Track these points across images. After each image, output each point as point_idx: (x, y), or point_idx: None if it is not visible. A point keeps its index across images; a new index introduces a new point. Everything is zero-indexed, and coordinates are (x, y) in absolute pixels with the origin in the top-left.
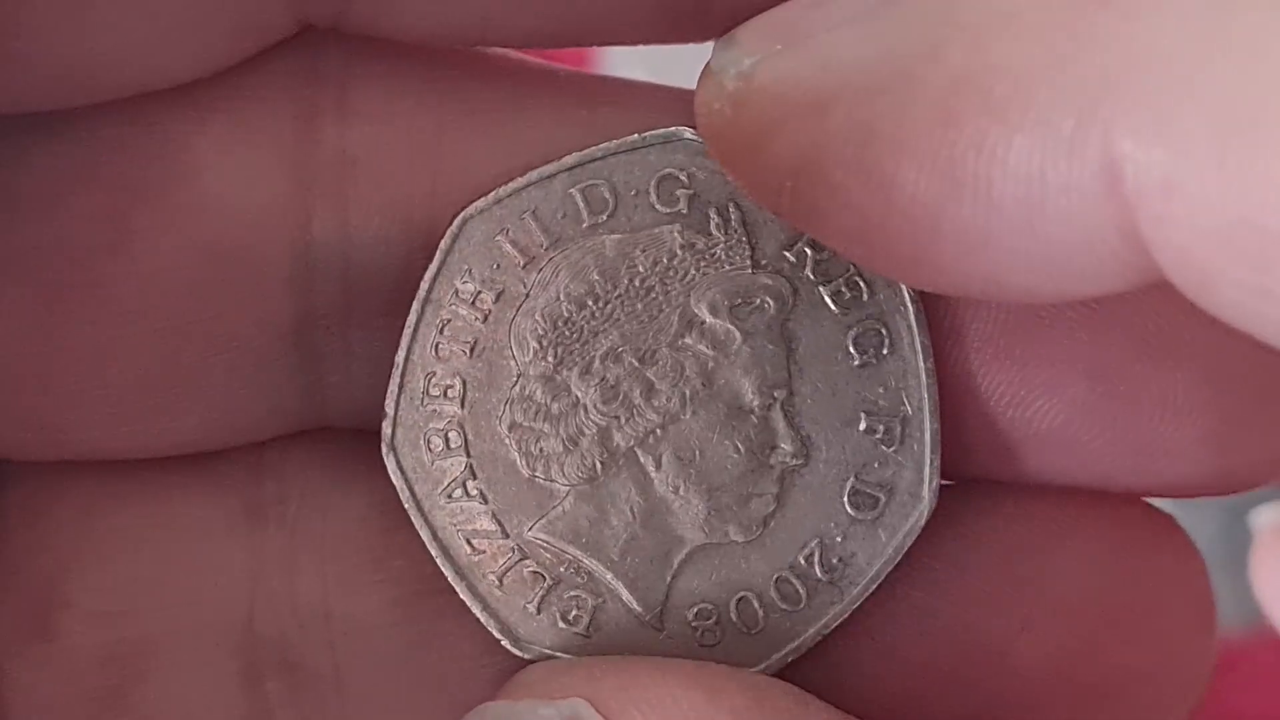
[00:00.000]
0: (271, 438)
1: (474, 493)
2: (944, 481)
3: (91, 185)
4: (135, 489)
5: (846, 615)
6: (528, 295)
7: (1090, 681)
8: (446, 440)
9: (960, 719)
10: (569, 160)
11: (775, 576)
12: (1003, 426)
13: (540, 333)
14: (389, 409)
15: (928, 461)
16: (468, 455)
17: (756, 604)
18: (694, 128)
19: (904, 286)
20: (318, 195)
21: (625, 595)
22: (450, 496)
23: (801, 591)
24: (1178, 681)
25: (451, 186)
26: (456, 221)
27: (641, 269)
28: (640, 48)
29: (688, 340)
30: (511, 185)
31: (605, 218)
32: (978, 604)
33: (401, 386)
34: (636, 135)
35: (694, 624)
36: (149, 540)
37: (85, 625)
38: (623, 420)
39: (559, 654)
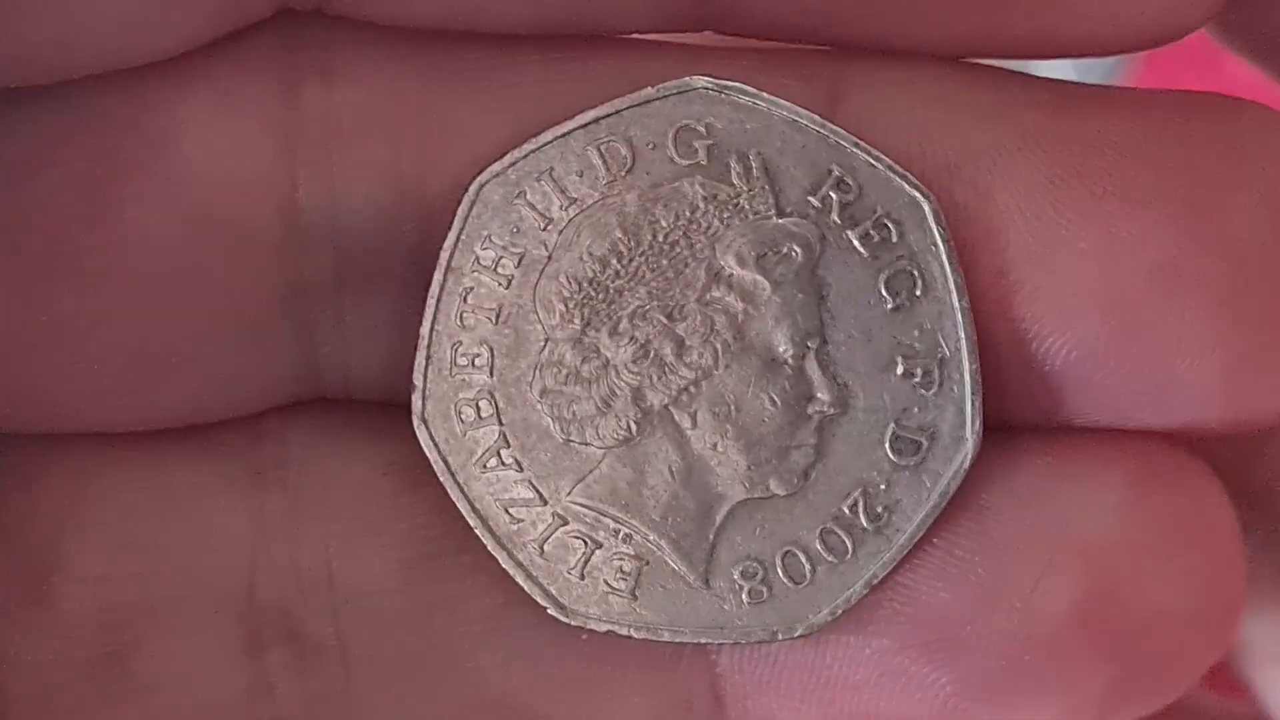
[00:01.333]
0: (266, 409)
1: (509, 461)
2: None
3: (73, 155)
4: (131, 455)
5: (896, 564)
6: (550, 258)
7: (1116, 621)
8: (478, 410)
9: (987, 670)
10: (583, 118)
11: (820, 528)
12: (1020, 366)
13: (566, 295)
14: (417, 381)
15: (969, 403)
16: (500, 424)
17: (803, 557)
18: (708, 75)
19: (934, 225)
20: (303, 160)
21: (669, 556)
22: (485, 466)
23: (848, 542)
24: (1207, 620)
25: (440, 147)
26: (473, 187)
27: (664, 224)
28: None
29: (716, 293)
30: (526, 146)
31: (624, 174)
32: (999, 550)
33: (429, 358)
34: (651, 88)
35: (740, 581)
36: (145, 505)
37: (81, 589)
38: (655, 379)
39: (606, 621)
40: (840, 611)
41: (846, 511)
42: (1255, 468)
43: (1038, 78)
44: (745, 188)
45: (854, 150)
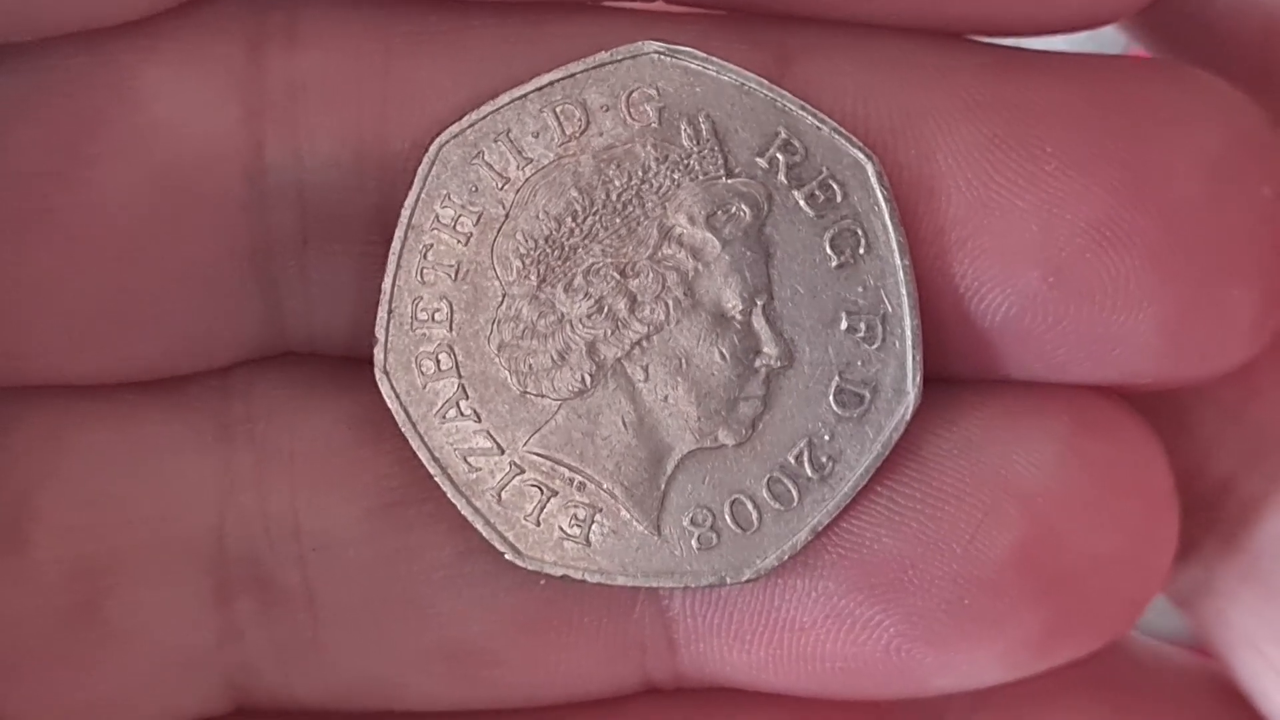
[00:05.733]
0: (233, 364)
1: (468, 412)
2: None
3: (42, 115)
4: (103, 409)
5: (839, 513)
6: (507, 216)
7: (1054, 567)
8: (437, 362)
9: (930, 611)
10: (539, 81)
11: (767, 477)
12: (961, 321)
13: (523, 252)
14: (379, 335)
15: (910, 357)
16: (459, 376)
17: (750, 505)
18: (660, 41)
19: (878, 186)
20: (269, 121)
21: (622, 503)
22: (445, 417)
23: (793, 491)
24: (1141, 565)
25: (402, 108)
26: (433, 148)
27: (618, 184)
28: None
29: (668, 251)
30: (484, 108)
31: (578, 135)
32: (941, 498)
33: (390, 312)
34: (604, 53)
35: (690, 528)
36: (118, 457)
37: (55, 538)
38: (609, 333)
39: (561, 566)
40: (786, 557)
41: (792, 461)
42: (1185, 439)
43: (981, 42)
44: (695, 149)
45: (800, 113)
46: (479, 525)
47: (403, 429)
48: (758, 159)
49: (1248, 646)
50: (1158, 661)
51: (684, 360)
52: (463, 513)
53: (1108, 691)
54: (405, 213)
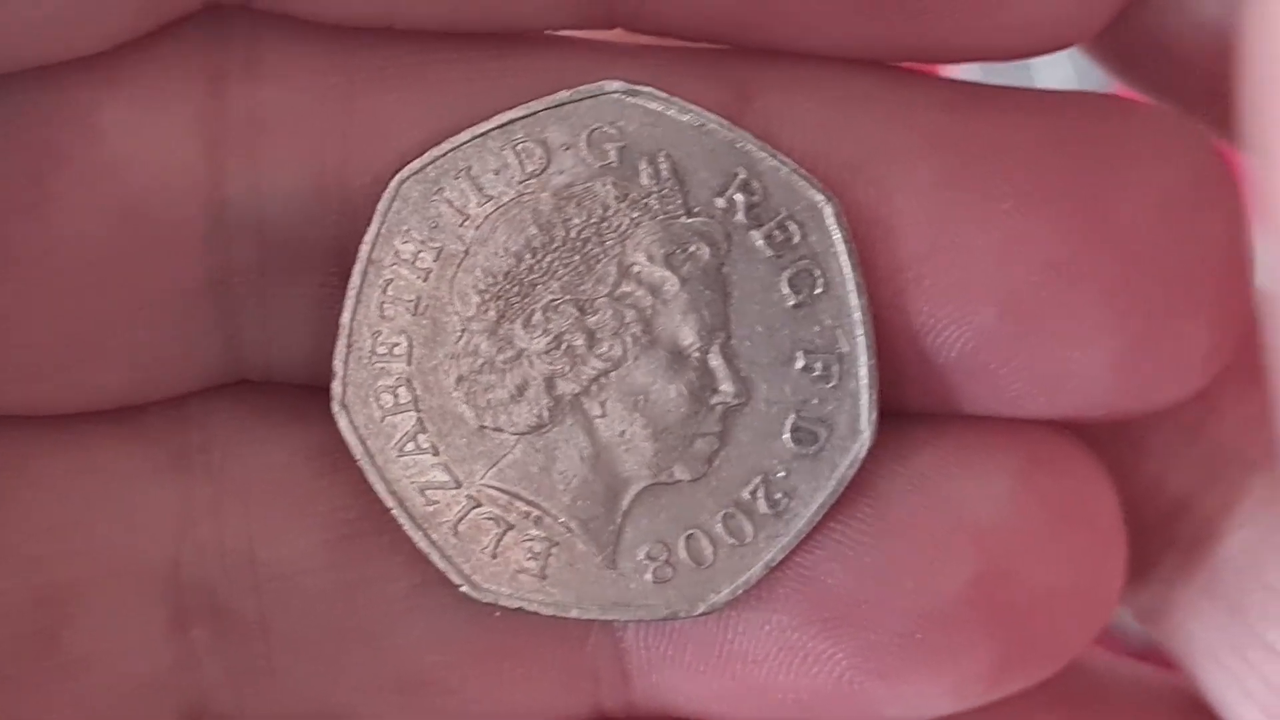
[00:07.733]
0: (190, 392)
1: (425, 446)
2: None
3: (2, 150)
4: (60, 439)
5: (793, 548)
6: (467, 252)
7: (1006, 601)
8: (395, 396)
9: (882, 645)
10: (500, 119)
11: (722, 513)
12: (916, 358)
13: (481, 287)
14: (337, 368)
15: (865, 396)
16: (417, 410)
17: (705, 540)
18: (621, 80)
19: (835, 227)
20: (229, 154)
21: (578, 537)
22: (402, 451)
23: (748, 527)
24: (1089, 598)
25: (364, 143)
26: (393, 184)
27: (577, 221)
28: None
29: (626, 289)
30: (444, 145)
31: (539, 173)
32: (894, 533)
33: (349, 346)
34: (565, 92)
35: (645, 562)
36: (74, 487)
37: (13, 569)
38: (567, 369)
39: (516, 598)
40: (740, 591)
41: (747, 497)
42: (1142, 458)
43: (941, 78)
44: (655, 189)
45: (760, 153)
46: (435, 558)
47: (360, 462)
48: (717, 199)
49: (1210, 660)
50: (1117, 677)
51: (641, 396)
52: (419, 546)
53: (1067, 708)
54: (365, 248)
